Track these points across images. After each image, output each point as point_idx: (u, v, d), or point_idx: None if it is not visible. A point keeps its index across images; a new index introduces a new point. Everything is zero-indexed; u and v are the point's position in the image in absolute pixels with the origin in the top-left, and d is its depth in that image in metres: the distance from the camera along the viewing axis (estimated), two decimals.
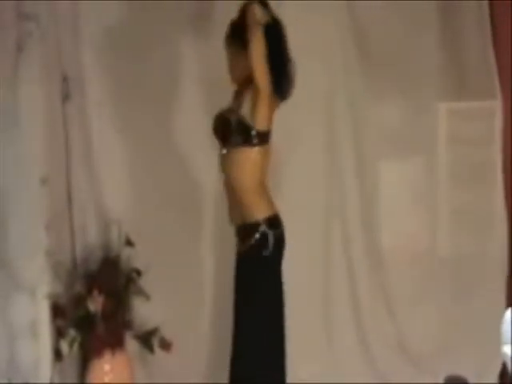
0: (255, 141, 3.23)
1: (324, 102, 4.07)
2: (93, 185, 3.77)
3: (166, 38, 3.59)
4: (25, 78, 3.30)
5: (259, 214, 3.25)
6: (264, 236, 3.23)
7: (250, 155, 3.25)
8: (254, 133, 3.21)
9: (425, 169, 4.27)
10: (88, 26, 3.69)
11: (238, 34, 3.27)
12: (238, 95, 3.35)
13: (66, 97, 3.66)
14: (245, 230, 3.28)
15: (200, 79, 3.84)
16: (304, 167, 4.02)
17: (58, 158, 3.62)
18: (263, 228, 3.23)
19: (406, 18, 4.10)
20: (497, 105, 4.17)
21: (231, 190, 3.31)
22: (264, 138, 3.25)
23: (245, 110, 3.24)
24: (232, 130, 3.25)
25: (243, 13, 3.23)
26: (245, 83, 3.28)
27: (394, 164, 4.25)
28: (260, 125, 3.22)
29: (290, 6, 3.75)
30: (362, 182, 4.16)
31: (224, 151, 3.30)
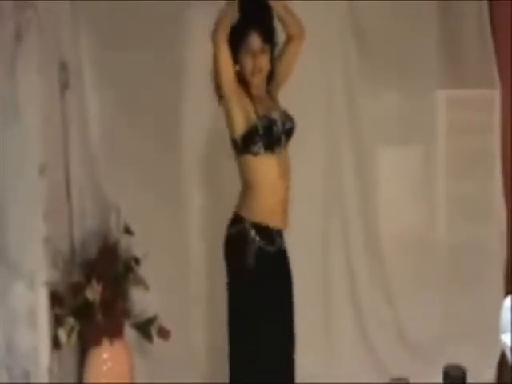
0: None
1: (322, 91, 4.05)
2: (91, 172, 3.77)
3: (165, 23, 3.58)
4: (23, 66, 3.28)
5: None
6: None
7: None
8: None
9: (424, 157, 4.25)
10: (86, 12, 3.68)
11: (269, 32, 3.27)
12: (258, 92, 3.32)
13: (64, 85, 3.65)
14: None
15: (202, 65, 3.78)
16: (302, 158, 3.98)
17: (57, 145, 3.61)
18: None
19: (407, 10, 4.08)
20: (496, 93, 4.17)
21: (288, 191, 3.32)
22: None
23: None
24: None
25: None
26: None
27: (393, 153, 4.24)
28: None
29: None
30: (361, 171, 4.15)
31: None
